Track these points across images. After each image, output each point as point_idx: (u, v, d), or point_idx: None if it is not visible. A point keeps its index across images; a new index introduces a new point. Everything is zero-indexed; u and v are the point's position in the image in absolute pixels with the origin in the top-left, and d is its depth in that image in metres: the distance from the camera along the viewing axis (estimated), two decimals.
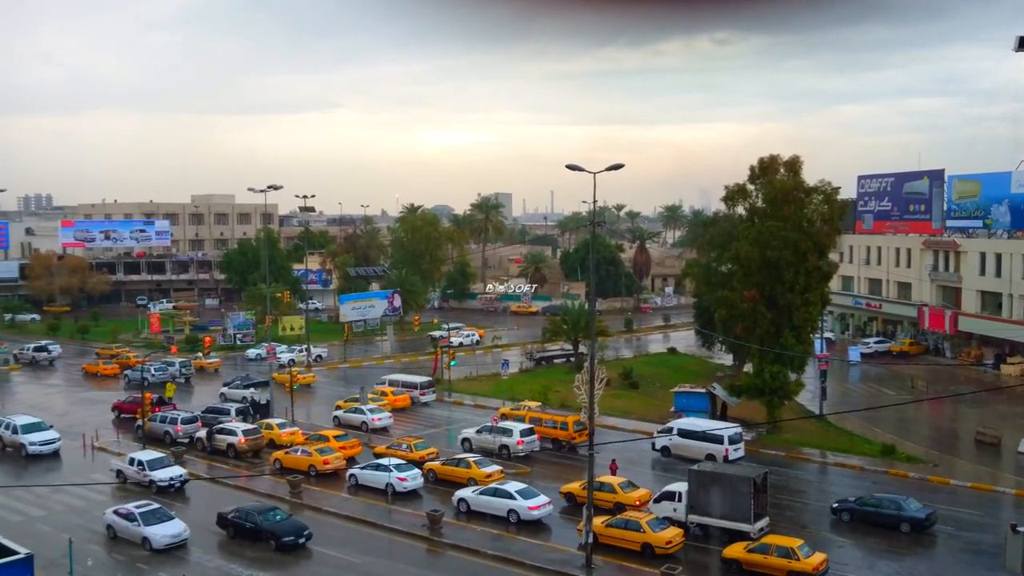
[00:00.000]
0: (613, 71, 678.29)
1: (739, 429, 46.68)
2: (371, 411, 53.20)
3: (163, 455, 43.67)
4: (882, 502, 36.17)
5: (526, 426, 48.34)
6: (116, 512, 35.43)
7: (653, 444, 47.69)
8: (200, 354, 76.39)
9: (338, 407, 55.89)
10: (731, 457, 44.13)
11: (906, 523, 34.98)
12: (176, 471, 42.20)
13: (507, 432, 47.42)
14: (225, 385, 63.64)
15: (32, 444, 47.32)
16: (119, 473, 42.76)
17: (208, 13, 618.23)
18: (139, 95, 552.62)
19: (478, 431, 48.61)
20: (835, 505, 37.49)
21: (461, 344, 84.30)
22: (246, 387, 61.03)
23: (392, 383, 61.73)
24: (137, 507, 35.31)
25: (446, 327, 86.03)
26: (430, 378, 63.85)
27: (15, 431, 48.22)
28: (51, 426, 49.99)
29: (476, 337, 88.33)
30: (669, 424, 48.35)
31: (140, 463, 42.04)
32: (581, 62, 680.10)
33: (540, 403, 55.43)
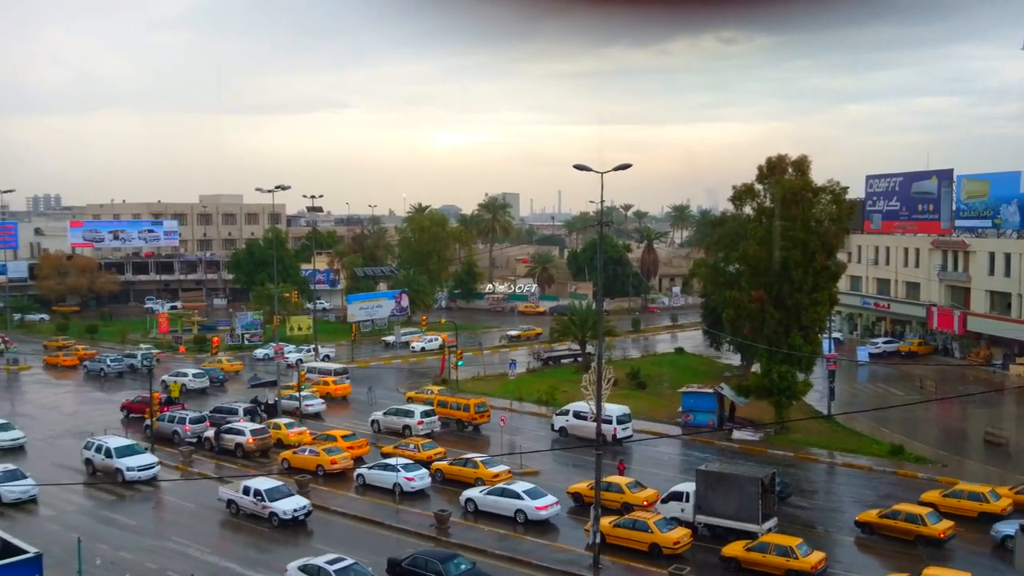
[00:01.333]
0: (619, 71, 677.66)
1: (627, 410, 51.00)
2: (304, 398, 57.41)
3: (281, 483, 38.77)
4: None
5: (426, 408, 52.89)
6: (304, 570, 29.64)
7: (552, 425, 52.12)
8: (220, 357, 76.59)
9: (279, 396, 59.22)
10: (619, 436, 48.70)
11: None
12: (300, 501, 37.16)
13: (409, 413, 52.02)
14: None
15: (130, 469, 42.42)
16: (230, 503, 37.99)
17: (215, 13, 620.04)
18: (147, 95, 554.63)
19: (385, 413, 53.36)
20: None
21: (423, 349, 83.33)
22: (252, 387, 61.31)
23: (311, 370, 66.31)
24: (331, 564, 29.62)
25: (401, 331, 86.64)
26: (345, 366, 69.30)
27: (108, 454, 43.26)
28: (146, 448, 45.84)
29: (439, 342, 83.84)
30: (566, 407, 52.28)
31: (258, 493, 37.11)
32: (586, 62, 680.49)
33: (443, 387, 61.96)
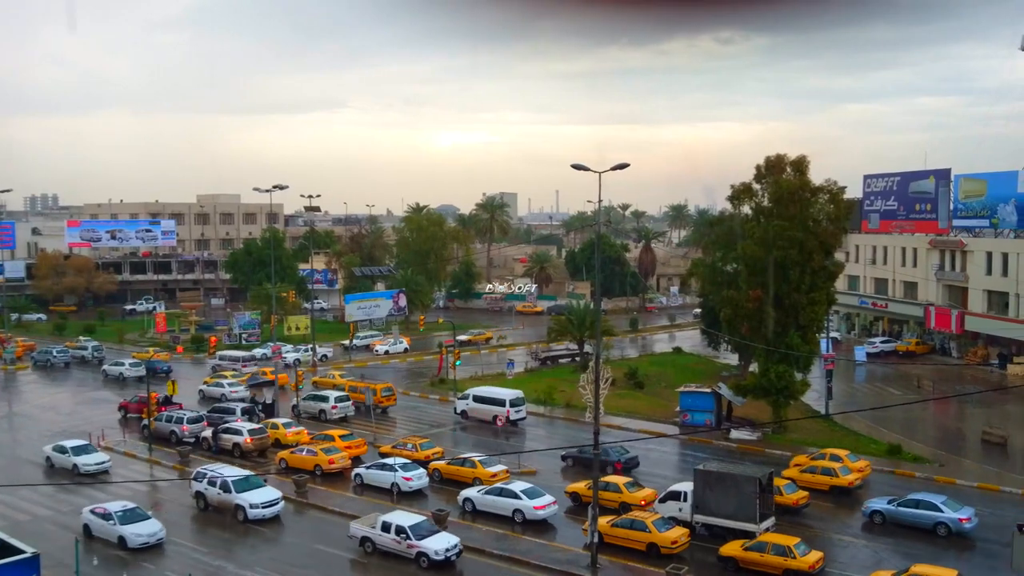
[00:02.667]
0: (617, 70, 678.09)
1: (520, 394, 55.10)
2: (230, 385, 61.14)
3: (423, 517, 34.43)
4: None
5: (341, 393, 56.24)
6: None
7: (455, 408, 55.91)
8: (149, 348, 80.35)
9: (205, 383, 64.04)
10: (512, 418, 53.10)
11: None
12: (450, 539, 32.75)
13: (324, 399, 55.31)
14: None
15: (253, 507, 36.84)
16: (364, 541, 33.64)
17: (214, 13, 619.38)
18: (144, 95, 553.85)
19: (304, 398, 56.72)
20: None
21: (387, 352, 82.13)
22: (251, 387, 61.33)
23: (225, 358, 73.78)
24: None
25: (361, 335, 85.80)
26: (253, 354, 75.16)
27: (226, 488, 37.89)
28: (265, 480, 40.06)
29: (404, 345, 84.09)
30: (467, 391, 56.32)
31: (401, 530, 32.72)
32: (584, 62, 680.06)
33: (343, 372, 66.97)
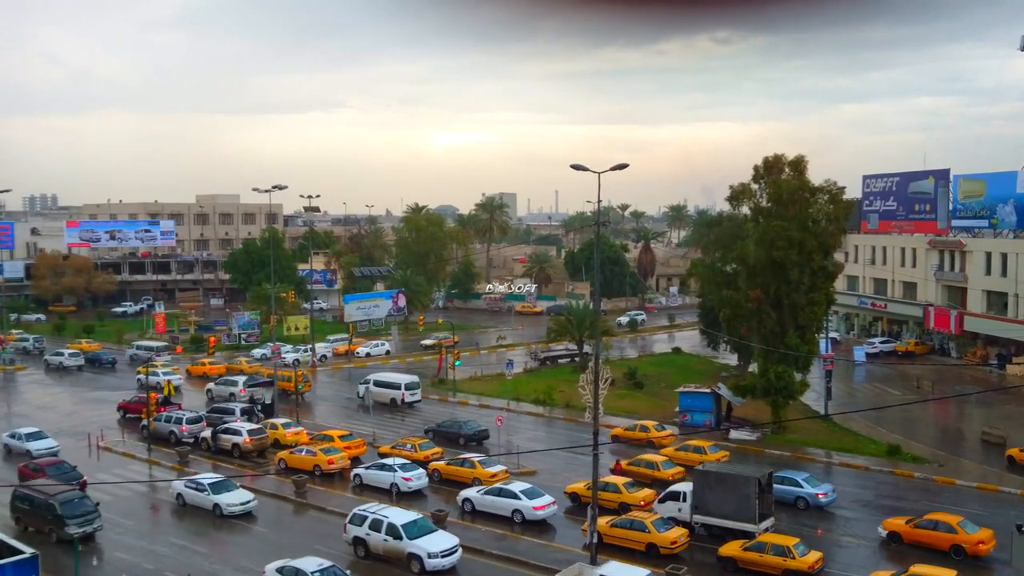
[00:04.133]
0: (615, 70, 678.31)
1: (416, 379, 61.35)
2: (165, 374, 63.33)
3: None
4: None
5: (246, 377, 62.83)
6: None
7: (357, 392, 60.30)
8: (81, 340, 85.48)
9: (139, 372, 67.17)
10: (407, 400, 58.82)
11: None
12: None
13: (234, 383, 60.68)
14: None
15: (432, 556, 31.40)
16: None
17: (210, 12, 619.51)
18: (143, 95, 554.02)
19: (216, 383, 61.83)
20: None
21: (368, 354, 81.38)
22: (250, 386, 61.27)
23: (139, 347, 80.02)
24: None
25: (330, 339, 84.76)
26: (166, 343, 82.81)
27: (394, 533, 32.25)
28: (431, 523, 34.13)
29: (386, 347, 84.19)
30: (368, 376, 61.24)
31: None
32: (582, 62, 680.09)
33: (250, 359, 74.65)
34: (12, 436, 49.52)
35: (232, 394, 59.78)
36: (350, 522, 33.70)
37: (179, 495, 39.64)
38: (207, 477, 40.66)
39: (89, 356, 78.67)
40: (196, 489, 39.23)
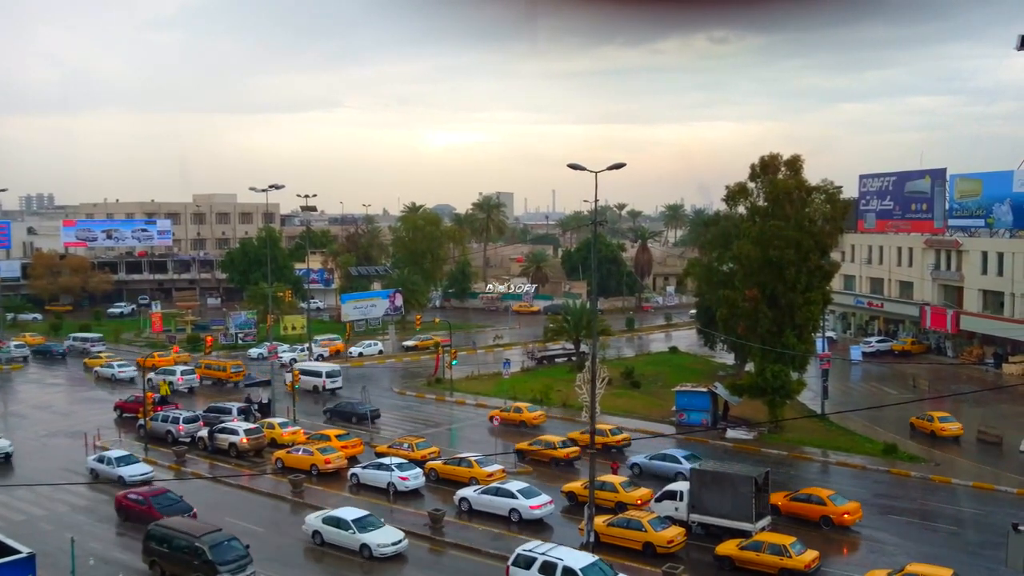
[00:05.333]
0: (612, 70, 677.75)
1: (337, 367, 67.25)
2: (119, 366, 70.01)
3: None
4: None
5: (185, 367, 67.93)
6: None
7: (284, 381, 63.08)
8: (25, 333, 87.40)
9: (92, 364, 73.18)
10: (328, 387, 64.01)
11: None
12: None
13: (172, 372, 65.24)
14: None
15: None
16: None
17: (207, 12, 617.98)
18: (139, 94, 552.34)
19: (156, 373, 64.47)
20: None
21: (361, 354, 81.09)
22: (246, 386, 61.39)
23: (76, 339, 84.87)
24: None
25: (318, 339, 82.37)
26: (100, 335, 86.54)
27: None
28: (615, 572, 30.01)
29: (379, 347, 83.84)
30: (296, 365, 66.17)
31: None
32: (580, 61, 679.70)
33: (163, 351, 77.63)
34: (100, 460, 43.67)
35: (171, 383, 62.41)
36: (514, 564, 29.23)
37: (315, 532, 34.55)
38: (350, 512, 34.76)
39: (37, 348, 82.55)
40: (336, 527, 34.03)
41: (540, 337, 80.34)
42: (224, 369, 68.80)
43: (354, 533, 32.93)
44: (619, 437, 48.80)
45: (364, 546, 32.56)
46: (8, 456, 46.80)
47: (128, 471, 42.19)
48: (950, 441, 49.68)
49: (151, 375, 64.39)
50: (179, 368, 67.56)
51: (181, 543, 30.32)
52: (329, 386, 64.47)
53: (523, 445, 46.82)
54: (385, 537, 32.87)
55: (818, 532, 34.92)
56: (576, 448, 46.10)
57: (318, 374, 65.26)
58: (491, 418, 53.71)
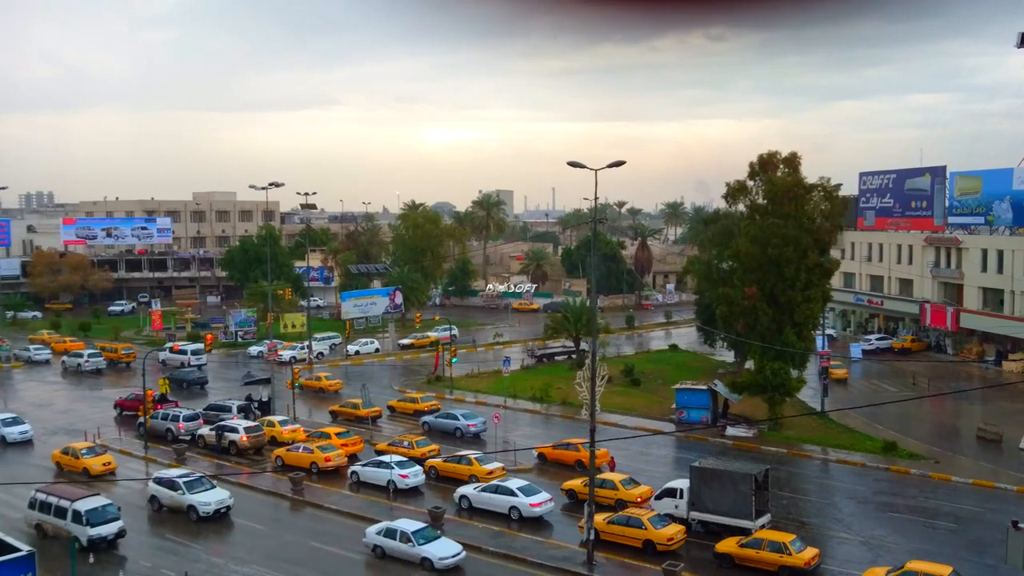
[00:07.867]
0: (610, 67, 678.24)
1: (200, 346, 70.80)
2: (91, 356, 73.86)
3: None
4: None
5: (93, 350, 73.83)
6: None
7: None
8: None
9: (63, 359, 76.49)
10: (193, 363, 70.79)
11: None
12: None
13: (80, 355, 71.98)
14: None
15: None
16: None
17: (205, 10, 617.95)
18: (138, 92, 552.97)
19: (68, 356, 72.42)
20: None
21: (357, 352, 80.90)
22: (246, 384, 61.22)
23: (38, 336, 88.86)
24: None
25: (316, 337, 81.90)
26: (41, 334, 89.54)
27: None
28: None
29: (376, 345, 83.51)
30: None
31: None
32: (578, 59, 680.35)
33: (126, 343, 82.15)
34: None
35: (79, 364, 72.18)
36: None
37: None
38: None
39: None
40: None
41: (540, 335, 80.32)
42: (116, 351, 76.85)
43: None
44: (427, 404, 55.82)
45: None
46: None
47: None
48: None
49: (64, 358, 74.96)
50: (87, 352, 74.57)
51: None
52: (194, 362, 71.89)
53: (335, 407, 56.27)
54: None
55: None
56: (377, 408, 54.80)
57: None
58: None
